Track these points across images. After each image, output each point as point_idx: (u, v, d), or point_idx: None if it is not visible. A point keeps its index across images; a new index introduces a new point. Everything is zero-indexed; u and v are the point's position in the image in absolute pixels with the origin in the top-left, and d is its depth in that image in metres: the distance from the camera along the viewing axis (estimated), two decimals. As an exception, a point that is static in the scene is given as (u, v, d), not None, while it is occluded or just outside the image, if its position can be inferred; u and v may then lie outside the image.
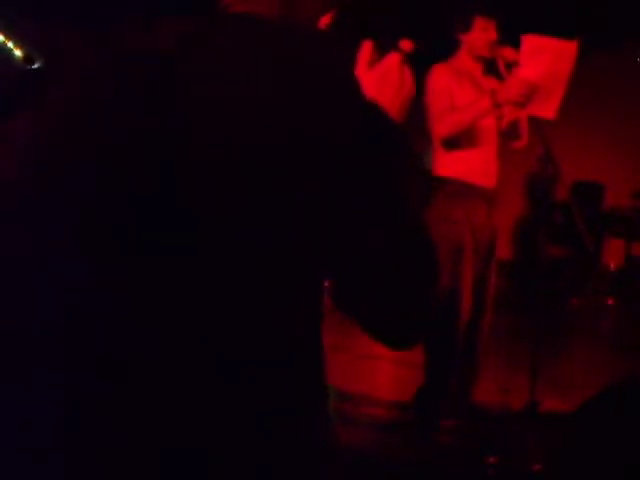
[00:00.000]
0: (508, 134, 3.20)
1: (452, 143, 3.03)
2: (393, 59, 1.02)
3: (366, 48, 1.05)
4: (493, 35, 3.06)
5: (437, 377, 3.20)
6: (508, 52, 2.99)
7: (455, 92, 3.02)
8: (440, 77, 3.01)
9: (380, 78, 1.01)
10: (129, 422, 0.73)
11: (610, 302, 6.27)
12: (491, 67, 3.18)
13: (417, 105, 1.06)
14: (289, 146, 0.73)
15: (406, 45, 1.06)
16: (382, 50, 1.05)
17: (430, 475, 2.84)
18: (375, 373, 4.10)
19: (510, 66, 2.97)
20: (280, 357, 0.79)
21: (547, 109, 2.82)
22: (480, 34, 3.08)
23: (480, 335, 3.23)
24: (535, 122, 3.00)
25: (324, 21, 1.05)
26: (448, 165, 3.09)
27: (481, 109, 2.91)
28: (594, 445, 2.64)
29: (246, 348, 0.76)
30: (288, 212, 0.74)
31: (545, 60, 2.71)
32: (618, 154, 6.98)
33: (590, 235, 2.98)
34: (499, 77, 3.12)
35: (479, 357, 3.26)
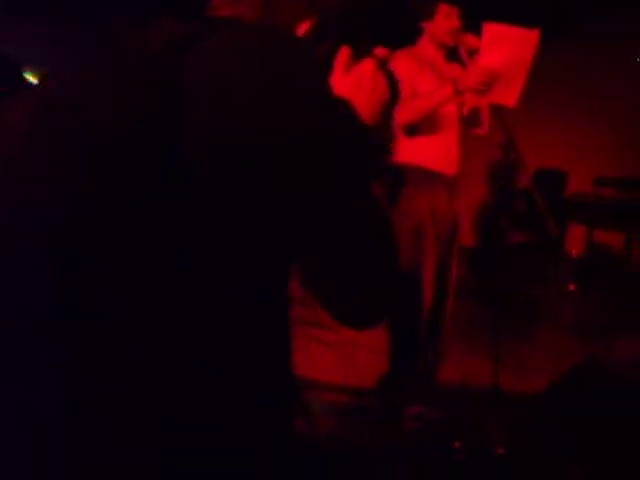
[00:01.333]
0: (469, 121, 3.21)
1: (413, 130, 3.03)
2: (367, 65, 1.06)
3: (343, 54, 1.08)
4: (456, 23, 3.07)
5: (401, 363, 3.22)
6: (470, 40, 3.00)
7: (416, 79, 3.02)
8: (401, 64, 3.00)
9: (354, 83, 1.05)
10: (127, 422, 0.74)
11: (572, 288, 6.35)
12: (454, 54, 3.18)
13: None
14: (264, 141, 0.75)
15: (381, 51, 1.10)
16: (358, 56, 1.09)
17: (396, 461, 2.85)
18: (338, 360, 4.11)
19: (473, 54, 2.97)
20: (248, 349, 0.80)
21: (508, 97, 2.83)
22: (443, 21, 3.08)
23: (443, 321, 3.25)
24: (497, 109, 3.01)
25: (303, 27, 1.09)
26: (409, 152, 3.09)
27: (442, 96, 2.91)
28: (557, 427, 2.69)
29: (213, 339, 0.77)
30: (259, 206, 0.75)
31: (506, 48, 2.72)
32: (580, 141, 7.06)
33: (553, 221, 3.01)
34: (462, 64, 3.13)
35: (442, 343, 3.29)
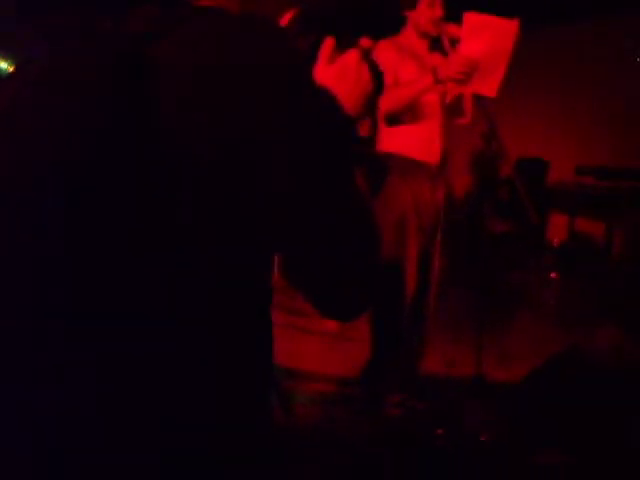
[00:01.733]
0: (452, 110, 3.21)
1: (396, 119, 3.02)
2: (351, 56, 1.06)
3: (327, 44, 1.08)
4: (439, 12, 3.06)
5: (384, 351, 3.23)
6: (453, 29, 3.00)
7: (398, 68, 3.02)
8: (383, 53, 2.99)
9: (338, 73, 1.04)
10: (127, 422, 0.74)
11: (553, 276, 6.38)
12: (437, 44, 3.18)
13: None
14: (243, 135, 0.75)
15: (365, 42, 1.09)
16: (342, 47, 1.08)
17: (380, 449, 2.87)
18: (321, 349, 4.12)
19: (455, 43, 2.97)
20: (233, 339, 0.81)
21: (488, 87, 2.83)
22: (426, 10, 3.08)
23: (426, 310, 3.26)
24: (479, 99, 3.01)
25: (286, 17, 1.09)
26: (392, 141, 3.09)
27: (422, 86, 2.91)
28: (538, 414, 2.72)
29: (198, 331, 0.77)
30: (239, 192, 0.75)
31: (486, 38, 2.72)
32: (562, 130, 7.09)
33: (534, 209, 3.02)
34: (445, 54, 3.13)
35: (426, 331, 3.30)
